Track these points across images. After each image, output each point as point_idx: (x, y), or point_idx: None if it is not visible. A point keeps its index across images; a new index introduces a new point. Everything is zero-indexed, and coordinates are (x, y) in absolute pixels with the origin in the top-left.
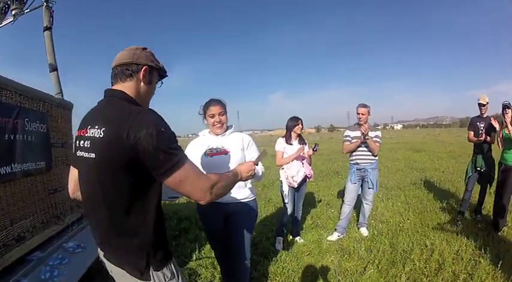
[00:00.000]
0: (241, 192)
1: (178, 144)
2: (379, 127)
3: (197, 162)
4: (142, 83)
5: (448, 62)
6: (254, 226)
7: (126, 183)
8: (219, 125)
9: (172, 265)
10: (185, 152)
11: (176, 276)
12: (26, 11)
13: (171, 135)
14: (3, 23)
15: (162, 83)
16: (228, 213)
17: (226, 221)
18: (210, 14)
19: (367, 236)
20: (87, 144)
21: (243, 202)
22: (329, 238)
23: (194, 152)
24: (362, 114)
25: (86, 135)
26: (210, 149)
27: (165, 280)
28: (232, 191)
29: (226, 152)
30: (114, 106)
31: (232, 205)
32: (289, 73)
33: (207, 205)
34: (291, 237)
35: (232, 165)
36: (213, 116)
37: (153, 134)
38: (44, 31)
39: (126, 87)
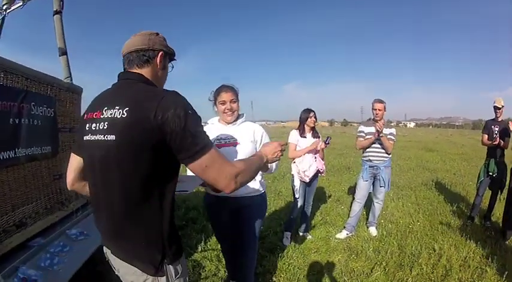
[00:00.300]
0: (250, 185)
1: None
2: (392, 124)
3: None
4: (158, 68)
5: (463, 61)
6: (263, 221)
7: (147, 167)
8: (229, 113)
9: (183, 260)
10: None
11: (185, 272)
12: None
13: (198, 118)
14: (12, 8)
15: (173, 67)
16: (236, 208)
17: (234, 215)
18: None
19: (375, 235)
20: (102, 126)
21: (252, 196)
22: (337, 236)
23: None
24: (378, 109)
25: (101, 117)
26: (218, 139)
27: (176, 275)
28: None
29: (235, 144)
30: (135, 87)
31: (241, 199)
32: (304, 63)
33: (214, 198)
34: (299, 232)
35: (242, 158)
36: (223, 103)
37: (180, 115)
38: (53, 15)
39: (144, 72)
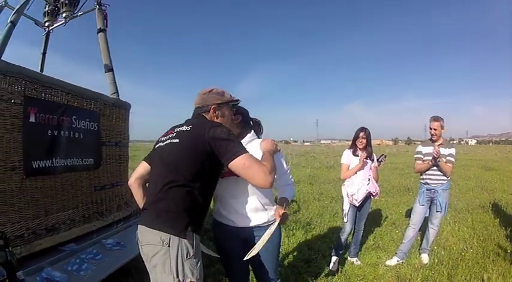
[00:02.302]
0: (260, 216)
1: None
2: (454, 142)
3: None
4: (213, 117)
5: None
6: (279, 250)
7: (195, 164)
8: None
9: (198, 239)
10: None
11: (198, 251)
12: (79, 13)
13: (235, 136)
14: (54, 25)
15: (234, 109)
16: (246, 238)
17: (245, 245)
18: (293, 23)
19: (427, 264)
20: (172, 136)
21: (262, 227)
22: (387, 263)
23: None
24: (434, 129)
25: (172, 133)
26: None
27: (194, 243)
28: (249, 214)
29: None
30: (198, 119)
31: (248, 229)
32: (366, 82)
33: (223, 228)
34: (348, 258)
35: (250, 189)
36: None
37: (223, 131)
38: (98, 33)
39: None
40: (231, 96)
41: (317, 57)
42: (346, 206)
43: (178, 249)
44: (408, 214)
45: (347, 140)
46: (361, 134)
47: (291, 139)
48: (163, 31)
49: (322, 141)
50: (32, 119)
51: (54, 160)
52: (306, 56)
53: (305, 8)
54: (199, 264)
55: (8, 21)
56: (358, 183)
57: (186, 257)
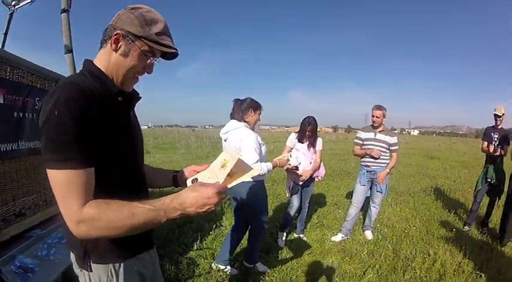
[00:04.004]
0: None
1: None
2: (396, 131)
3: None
4: (114, 53)
5: (469, 70)
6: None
7: None
8: None
9: (128, 267)
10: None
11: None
12: None
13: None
14: (21, 4)
15: (157, 59)
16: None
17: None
18: (238, 9)
19: (371, 239)
20: None
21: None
22: (333, 239)
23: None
24: (377, 117)
25: None
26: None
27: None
28: None
29: None
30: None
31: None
32: (310, 70)
33: None
34: (294, 234)
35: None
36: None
37: (45, 114)
38: (61, 13)
39: (99, 55)
40: (167, 38)
41: (263, 46)
42: (290, 184)
43: None
44: (349, 196)
45: (286, 126)
46: (309, 127)
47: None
48: (106, 7)
49: (261, 127)
50: (1, 101)
51: (19, 143)
52: (251, 43)
53: None
54: None
55: None
56: (303, 165)
57: None
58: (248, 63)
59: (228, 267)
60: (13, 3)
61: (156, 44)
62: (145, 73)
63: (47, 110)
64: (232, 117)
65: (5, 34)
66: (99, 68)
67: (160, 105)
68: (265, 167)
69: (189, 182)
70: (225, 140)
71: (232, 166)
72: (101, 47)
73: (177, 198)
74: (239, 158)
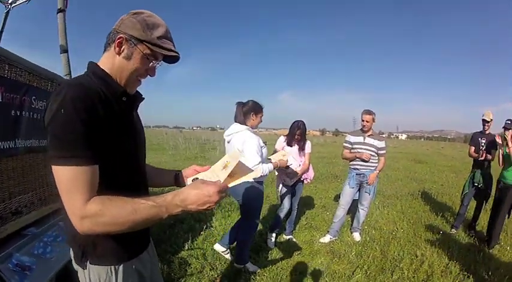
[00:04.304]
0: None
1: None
2: (384, 135)
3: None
4: (117, 56)
5: (459, 75)
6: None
7: None
8: None
9: (127, 268)
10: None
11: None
12: None
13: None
14: (18, 2)
15: (159, 63)
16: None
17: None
18: (223, 10)
19: (359, 241)
20: None
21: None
22: (321, 240)
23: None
24: (366, 121)
25: None
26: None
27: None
28: None
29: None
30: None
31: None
32: (299, 73)
33: None
34: (284, 235)
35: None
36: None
37: (51, 113)
38: (57, 13)
39: (103, 58)
40: (168, 42)
41: (251, 47)
42: (280, 186)
43: None
44: (337, 198)
45: (274, 129)
46: (298, 131)
47: (218, 126)
48: (103, 9)
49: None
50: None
51: (16, 141)
52: (239, 45)
53: None
54: None
55: None
56: (292, 168)
57: None
58: (236, 65)
59: (228, 250)
60: (9, 1)
61: (158, 48)
62: (148, 76)
63: (53, 108)
64: (235, 120)
65: (1, 32)
66: (103, 70)
67: (149, 106)
68: (266, 168)
69: (189, 181)
70: (228, 142)
71: (234, 167)
72: (105, 50)
73: (179, 195)
74: (240, 160)
